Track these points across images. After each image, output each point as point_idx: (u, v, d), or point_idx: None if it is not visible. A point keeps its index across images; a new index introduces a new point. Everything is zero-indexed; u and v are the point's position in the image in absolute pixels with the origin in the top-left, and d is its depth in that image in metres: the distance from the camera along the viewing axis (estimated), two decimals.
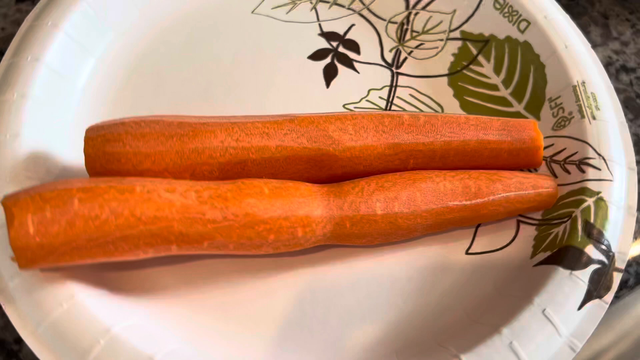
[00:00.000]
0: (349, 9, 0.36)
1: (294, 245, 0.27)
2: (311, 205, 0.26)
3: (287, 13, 0.36)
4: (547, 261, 0.27)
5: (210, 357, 0.26)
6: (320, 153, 0.28)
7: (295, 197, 0.26)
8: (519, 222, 0.30)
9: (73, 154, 0.30)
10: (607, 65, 0.36)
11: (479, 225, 0.30)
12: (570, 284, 0.26)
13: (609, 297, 0.27)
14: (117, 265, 0.28)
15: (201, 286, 0.28)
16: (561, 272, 0.27)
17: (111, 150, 0.26)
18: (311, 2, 0.37)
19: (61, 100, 0.31)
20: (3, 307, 0.25)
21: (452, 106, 0.34)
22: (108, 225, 0.24)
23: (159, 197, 0.24)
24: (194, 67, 0.34)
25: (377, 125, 0.28)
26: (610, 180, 0.29)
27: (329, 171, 0.28)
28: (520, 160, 0.30)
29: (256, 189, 0.26)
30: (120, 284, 0.28)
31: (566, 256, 0.27)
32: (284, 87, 0.34)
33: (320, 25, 0.36)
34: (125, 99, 0.33)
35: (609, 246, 0.27)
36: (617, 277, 0.27)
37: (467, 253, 0.30)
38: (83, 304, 0.25)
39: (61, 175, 0.29)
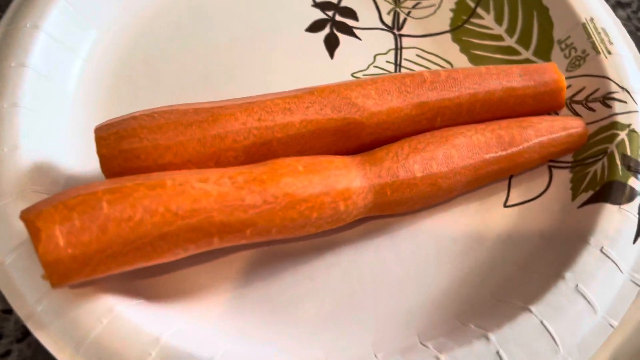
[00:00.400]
0: None
1: (336, 221, 0.25)
2: (349, 176, 0.25)
3: None
4: (592, 200, 0.27)
5: (266, 350, 0.24)
6: (346, 122, 0.26)
7: (330, 170, 0.25)
8: (550, 167, 0.30)
9: (75, 161, 0.28)
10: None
11: (511, 177, 0.30)
12: (621, 219, 0.26)
13: None
14: (146, 272, 0.26)
15: (240, 280, 0.26)
16: (610, 208, 0.26)
17: (128, 147, 0.24)
18: None
19: (54, 106, 0.29)
20: (34, 334, 0.23)
21: (461, 61, 0.33)
22: (144, 225, 0.22)
23: (192, 188, 0.22)
24: (187, 54, 0.32)
25: (399, 86, 0.27)
26: (637, 112, 0.28)
27: (357, 140, 0.27)
28: (544, 104, 0.29)
29: (290, 168, 0.24)
30: (155, 291, 0.26)
31: (611, 192, 0.27)
32: (287, 63, 0.32)
33: None
34: (119, 97, 0.31)
35: None
36: None
37: (505, 206, 0.29)
38: (124, 316, 0.23)
39: (68, 185, 0.27)
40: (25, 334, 0.26)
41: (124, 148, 0.24)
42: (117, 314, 0.23)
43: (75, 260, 0.21)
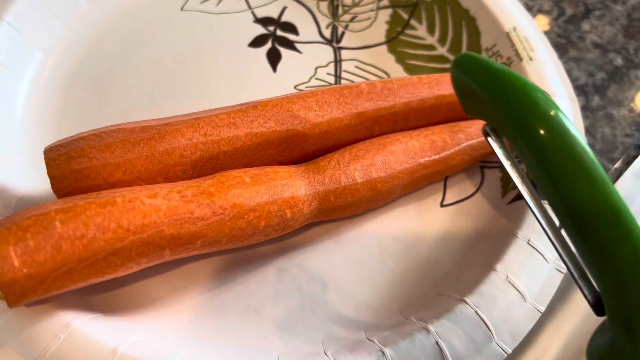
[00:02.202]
0: None
1: (284, 228, 0.27)
2: (294, 185, 0.26)
3: (217, 5, 0.36)
4: (520, 196, 0.29)
5: (223, 354, 0.25)
6: (290, 134, 0.28)
7: (276, 180, 0.26)
8: (482, 168, 0.32)
9: (27, 183, 0.28)
10: (527, 10, 0.38)
11: (447, 179, 0.32)
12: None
13: None
14: (101, 287, 0.27)
15: (193, 289, 0.27)
16: None
17: (78, 167, 0.25)
18: None
19: (2, 130, 0.29)
20: None
21: (397, 71, 0.35)
22: (96, 242, 0.22)
23: (142, 204, 0.23)
24: (133, 74, 0.33)
25: (338, 98, 0.29)
26: None
27: (301, 151, 0.29)
28: None
29: (237, 179, 0.26)
30: (110, 305, 0.26)
31: (536, 187, 0.29)
32: (231, 78, 0.33)
33: (253, 12, 0.36)
34: (68, 118, 0.31)
35: None
36: None
37: (442, 205, 0.31)
38: (81, 331, 0.24)
39: (20, 206, 0.27)
40: None
41: (73, 168, 0.25)
42: (74, 329, 0.24)
43: (31, 280, 0.22)
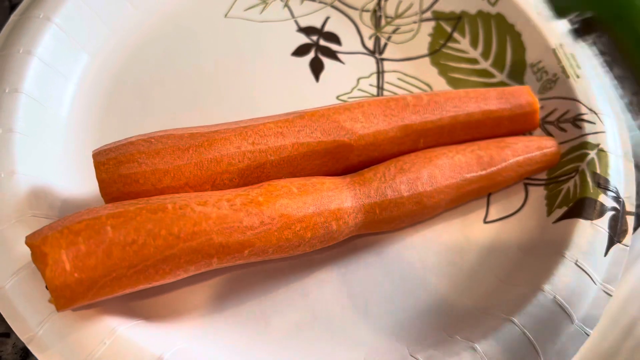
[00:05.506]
0: (320, 2, 0.36)
1: (329, 239, 0.26)
2: (340, 197, 0.26)
3: (261, 13, 0.36)
4: (567, 216, 0.29)
5: None
6: (336, 144, 0.28)
7: (323, 191, 0.26)
8: (526, 185, 0.31)
9: (70, 184, 0.28)
10: None
11: (490, 195, 0.31)
12: (593, 233, 0.28)
13: (628, 240, 0.28)
14: (143, 294, 0.27)
15: (235, 299, 0.27)
16: (583, 224, 0.28)
17: (127, 172, 0.25)
18: (282, 0, 0.36)
19: (48, 131, 0.29)
20: (37, 356, 0.23)
21: (439, 84, 0.35)
22: (147, 249, 0.22)
23: (192, 211, 0.23)
24: (176, 79, 0.33)
25: (384, 110, 0.29)
26: (605, 132, 0.30)
27: (346, 162, 0.28)
28: (519, 126, 0.31)
29: (285, 189, 0.25)
30: (152, 312, 0.26)
31: (583, 208, 0.28)
32: (274, 87, 0.33)
33: (296, 21, 0.36)
34: (111, 122, 0.31)
35: (617, 192, 0.29)
36: (630, 221, 0.29)
37: (485, 222, 0.30)
38: (126, 337, 0.23)
39: (64, 209, 0.27)
40: (24, 357, 0.26)
41: (123, 173, 0.25)
42: (120, 334, 0.23)
43: (81, 284, 0.21)
